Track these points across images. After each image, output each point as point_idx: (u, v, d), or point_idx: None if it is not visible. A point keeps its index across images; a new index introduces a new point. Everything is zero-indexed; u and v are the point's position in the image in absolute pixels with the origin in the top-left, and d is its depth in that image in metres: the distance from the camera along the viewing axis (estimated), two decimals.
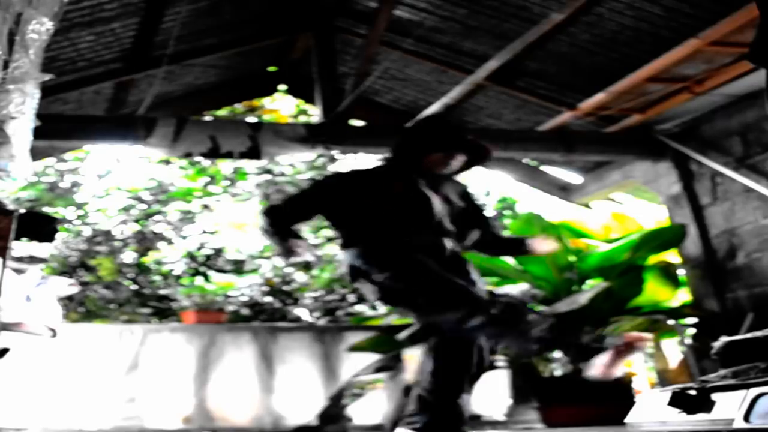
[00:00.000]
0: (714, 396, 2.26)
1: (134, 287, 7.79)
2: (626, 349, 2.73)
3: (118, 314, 7.56)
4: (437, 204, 2.98)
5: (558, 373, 4.75)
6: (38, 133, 2.59)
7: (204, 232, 8.10)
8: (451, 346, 2.90)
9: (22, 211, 2.56)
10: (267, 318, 7.36)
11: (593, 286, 4.55)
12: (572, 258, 4.70)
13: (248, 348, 5.60)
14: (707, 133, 5.46)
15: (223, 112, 8.23)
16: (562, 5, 4.58)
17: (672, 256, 5.47)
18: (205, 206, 8.37)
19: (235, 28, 5.83)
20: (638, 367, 6.15)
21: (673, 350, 5.82)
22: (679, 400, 2.34)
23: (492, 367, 2.95)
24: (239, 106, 8.56)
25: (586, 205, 6.86)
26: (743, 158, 5.19)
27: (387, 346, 4.71)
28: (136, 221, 8.12)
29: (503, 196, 9.03)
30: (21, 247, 3.88)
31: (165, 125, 5.27)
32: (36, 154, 2.67)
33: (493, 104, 6.20)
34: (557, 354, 4.69)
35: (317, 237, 7.95)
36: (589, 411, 4.02)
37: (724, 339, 2.57)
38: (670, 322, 4.82)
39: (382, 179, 3.05)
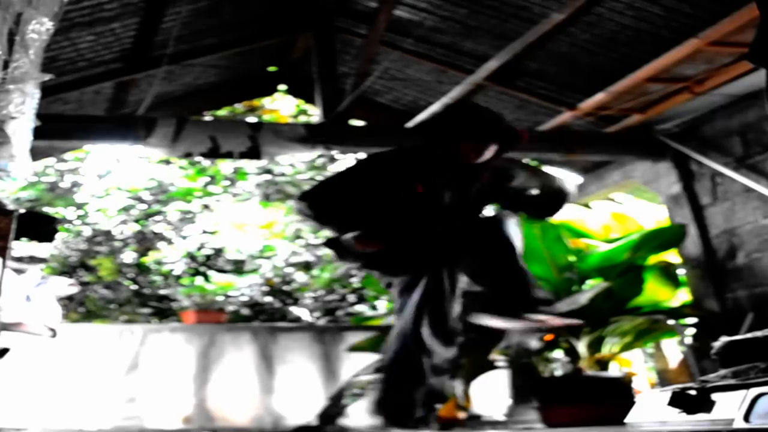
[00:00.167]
0: (714, 396, 2.26)
1: (134, 287, 7.79)
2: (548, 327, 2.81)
3: (118, 314, 7.57)
4: (449, 209, 2.97)
5: (558, 373, 4.75)
6: (38, 133, 2.59)
7: (204, 232, 8.10)
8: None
9: (22, 211, 2.56)
10: (267, 318, 7.36)
11: (593, 286, 4.55)
12: (572, 258, 4.70)
13: (248, 348, 5.60)
14: (707, 133, 5.46)
15: (223, 112, 8.23)
16: (562, 5, 4.58)
17: (672, 256, 5.47)
18: (205, 206, 8.38)
19: (235, 28, 5.83)
20: (638, 367, 6.15)
21: (673, 350, 5.82)
22: (679, 400, 2.34)
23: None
24: (239, 106, 8.57)
25: (586, 205, 6.85)
26: (743, 158, 5.19)
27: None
28: (136, 221, 8.13)
29: None
30: (21, 247, 3.88)
31: (165, 125, 5.27)
32: (36, 154, 2.67)
33: (493, 104, 6.19)
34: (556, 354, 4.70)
35: (317, 237, 7.96)
36: (589, 411, 4.01)
37: (724, 339, 2.57)
38: (670, 322, 4.81)
39: (409, 174, 3.01)
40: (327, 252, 7.79)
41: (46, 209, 7.70)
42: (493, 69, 5.31)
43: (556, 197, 3.20)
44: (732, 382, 2.27)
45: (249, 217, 8.29)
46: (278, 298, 7.61)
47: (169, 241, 8.04)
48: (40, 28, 2.38)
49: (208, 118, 7.11)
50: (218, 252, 7.97)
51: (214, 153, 5.35)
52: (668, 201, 5.78)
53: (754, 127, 5.11)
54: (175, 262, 7.79)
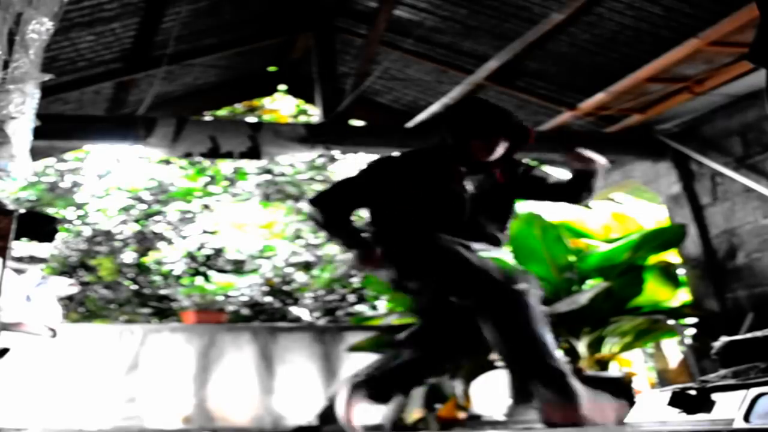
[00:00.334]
0: (714, 396, 2.26)
1: (134, 287, 7.79)
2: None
3: (118, 314, 7.56)
4: (468, 204, 2.97)
5: None
6: (38, 133, 2.59)
7: (204, 232, 8.10)
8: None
9: (22, 211, 2.55)
10: (267, 318, 7.36)
11: (593, 286, 4.56)
12: (572, 258, 4.71)
13: (248, 348, 5.60)
14: (707, 133, 5.46)
15: (223, 112, 8.23)
16: (562, 5, 4.58)
17: (672, 256, 5.47)
18: (205, 206, 8.38)
19: (235, 28, 5.83)
20: (638, 367, 6.15)
21: (673, 350, 5.82)
22: (679, 400, 2.34)
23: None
24: (239, 106, 8.57)
25: (586, 205, 6.85)
26: (743, 158, 5.19)
27: (387, 346, 4.71)
28: (136, 221, 8.13)
29: None
30: (21, 247, 3.88)
31: (165, 125, 5.27)
32: (36, 154, 2.67)
33: None
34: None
35: (317, 237, 7.96)
36: None
37: (724, 339, 2.57)
38: (670, 322, 4.83)
39: (423, 175, 3.02)
40: (327, 252, 7.80)
41: (46, 209, 7.69)
42: (493, 69, 5.31)
43: (587, 178, 3.18)
44: (732, 382, 2.27)
45: (249, 217, 8.29)
46: (278, 298, 7.61)
47: (169, 241, 8.04)
48: (40, 28, 2.38)
49: (208, 118, 7.11)
50: (218, 252, 7.97)
51: (214, 153, 5.35)
52: (668, 201, 5.78)
53: (754, 127, 5.11)
54: (175, 262, 7.79)
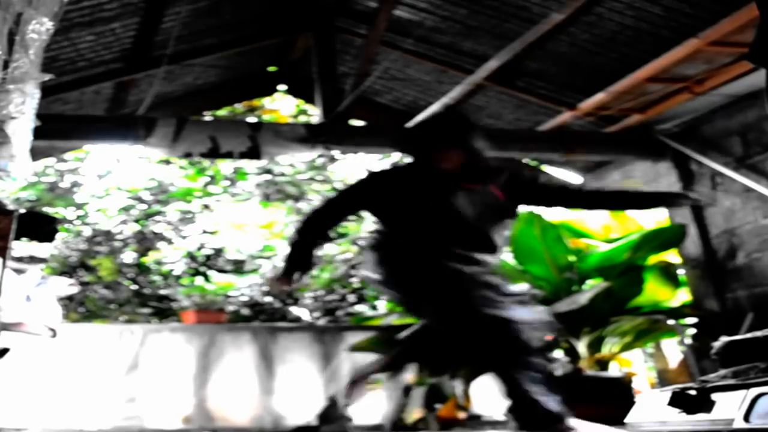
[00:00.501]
0: (714, 396, 2.26)
1: (134, 287, 7.79)
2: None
3: (118, 314, 7.56)
4: (463, 214, 2.97)
5: (558, 373, 4.75)
6: (38, 133, 2.59)
7: (204, 232, 8.10)
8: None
9: (22, 211, 2.55)
10: (267, 318, 7.36)
11: (593, 286, 4.55)
12: (572, 258, 4.70)
13: (248, 348, 5.60)
14: (707, 133, 5.47)
15: (223, 112, 8.23)
16: (562, 5, 4.58)
17: (672, 256, 5.47)
18: (205, 206, 8.37)
19: (235, 28, 5.83)
20: (638, 367, 6.15)
21: (673, 350, 5.82)
22: (679, 400, 2.34)
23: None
24: (239, 106, 8.57)
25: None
26: (743, 158, 5.19)
27: (387, 346, 4.71)
28: (136, 221, 8.13)
29: None
30: (21, 247, 3.88)
31: (165, 125, 5.27)
32: (36, 154, 2.67)
33: (493, 104, 6.20)
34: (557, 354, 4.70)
35: None
36: (588, 411, 4.00)
37: (724, 339, 2.57)
38: (670, 322, 4.82)
39: (413, 183, 3.04)
40: (327, 252, 7.80)
41: (46, 209, 7.69)
42: (493, 69, 5.31)
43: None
44: (732, 382, 2.27)
45: (249, 217, 8.29)
46: (278, 298, 7.60)
47: (169, 241, 8.04)
48: (40, 28, 2.38)
49: (208, 118, 7.11)
50: (218, 252, 7.97)
51: (214, 153, 5.35)
52: None
53: (754, 127, 5.11)
54: (175, 262, 7.79)
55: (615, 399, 3.95)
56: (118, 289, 7.74)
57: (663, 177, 5.79)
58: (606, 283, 4.42)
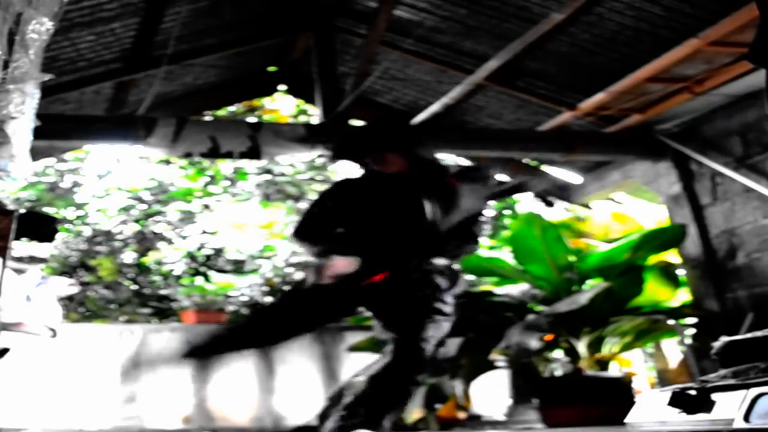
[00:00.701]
0: (714, 396, 2.26)
1: (134, 287, 7.79)
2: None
3: (118, 314, 7.56)
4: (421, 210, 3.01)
5: (558, 373, 4.75)
6: (38, 133, 2.59)
7: (204, 232, 8.09)
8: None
9: (22, 211, 2.55)
10: None
11: (593, 286, 4.55)
12: (572, 258, 4.71)
13: None
14: (707, 133, 5.46)
15: (223, 112, 8.23)
16: (562, 5, 4.58)
17: (672, 256, 5.47)
18: (205, 206, 8.37)
19: (235, 28, 5.83)
20: (638, 367, 6.15)
21: (673, 350, 5.82)
22: (679, 400, 2.34)
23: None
24: (239, 106, 8.56)
25: (586, 205, 6.86)
26: (743, 158, 5.19)
27: (386, 346, 4.70)
28: (136, 221, 8.12)
29: None
30: (21, 247, 3.88)
31: (165, 125, 5.27)
32: (36, 154, 2.67)
33: (493, 104, 6.20)
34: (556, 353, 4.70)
35: None
36: (589, 411, 4.02)
37: (724, 339, 2.57)
38: (670, 322, 4.82)
39: (363, 196, 3.13)
40: None
41: (46, 209, 7.69)
42: (493, 69, 5.31)
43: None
44: (732, 382, 2.27)
45: (249, 217, 8.28)
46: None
47: (169, 241, 8.03)
48: (40, 28, 2.38)
49: (208, 118, 7.11)
50: (218, 252, 7.97)
51: (214, 153, 5.35)
52: (668, 201, 5.78)
53: (754, 127, 5.11)
54: (175, 262, 7.78)
55: (615, 399, 3.96)
56: (118, 289, 7.74)
57: (663, 177, 5.79)
58: (606, 283, 4.42)
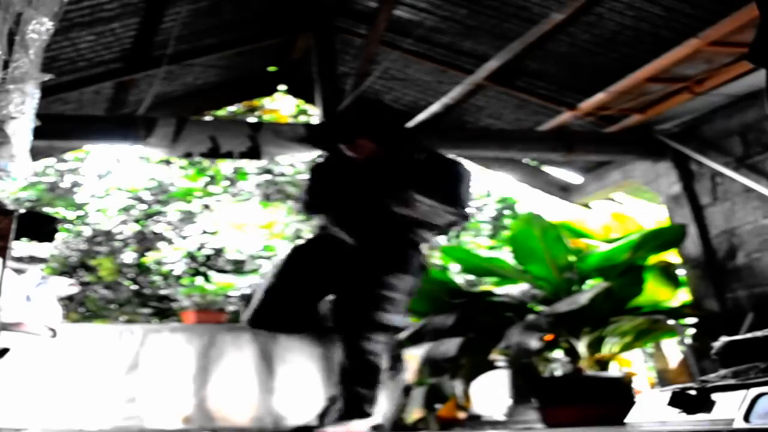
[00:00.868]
0: (714, 396, 2.26)
1: (134, 287, 7.79)
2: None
3: (118, 314, 7.57)
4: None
5: (558, 373, 4.75)
6: (38, 133, 2.59)
7: (204, 232, 8.10)
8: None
9: (22, 211, 2.55)
10: None
11: (593, 286, 4.55)
12: (572, 258, 4.70)
13: (248, 348, 5.60)
14: (707, 133, 5.46)
15: (223, 112, 8.23)
16: (562, 5, 4.58)
17: (672, 256, 5.47)
18: (206, 206, 8.38)
19: (235, 28, 5.83)
20: (638, 367, 6.15)
21: (673, 350, 5.82)
22: (679, 400, 2.34)
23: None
24: (239, 106, 8.57)
25: (586, 205, 6.86)
26: (743, 158, 5.19)
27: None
28: (136, 221, 8.13)
29: (503, 196, 9.04)
30: (21, 247, 3.88)
31: (165, 125, 5.27)
32: (36, 154, 2.67)
33: (493, 104, 6.20)
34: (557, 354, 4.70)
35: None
36: (589, 411, 4.01)
37: (724, 339, 2.57)
38: (670, 322, 4.82)
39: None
40: None
41: (46, 209, 7.69)
42: (493, 69, 5.31)
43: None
44: (732, 382, 2.27)
45: (249, 217, 8.29)
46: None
47: (169, 241, 8.04)
48: (40, 28, 2.38)
49: (208, 118, 7.11)
50: (218, 252, 7.97)
51: (214, 153, 5.35)
52: (668, 201, 5.78)
53: (754, 127, 5.11)
54: (175, 262, 7.79)
55: (615, 399, 3.95)
56: (118, 289, 7.74)
57: (663, 177, 5.79)
58: (606, 283, 4.42)
